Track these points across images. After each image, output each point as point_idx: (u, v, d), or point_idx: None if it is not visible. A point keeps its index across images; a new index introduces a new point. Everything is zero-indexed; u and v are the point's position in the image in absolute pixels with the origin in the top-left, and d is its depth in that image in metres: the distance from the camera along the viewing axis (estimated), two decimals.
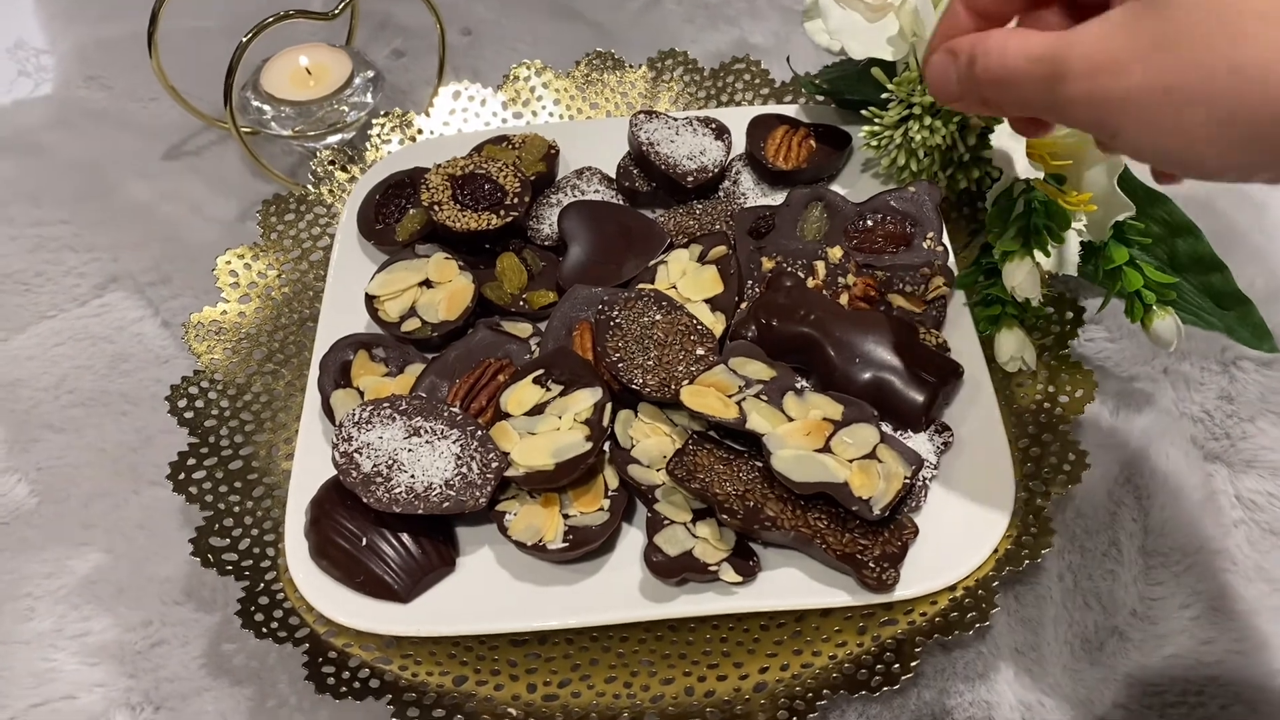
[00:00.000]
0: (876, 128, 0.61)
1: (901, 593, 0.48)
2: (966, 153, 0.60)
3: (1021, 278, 0.53)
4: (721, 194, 0.64)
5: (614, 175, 0.65)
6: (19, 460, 0.63)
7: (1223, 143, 0.32)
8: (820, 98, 0.68)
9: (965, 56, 0.37)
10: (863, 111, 0.62)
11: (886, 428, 0.51)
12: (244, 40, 0.66)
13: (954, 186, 0.61)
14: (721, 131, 0.65)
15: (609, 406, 0.52)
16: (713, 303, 0.57)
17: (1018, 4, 0.39)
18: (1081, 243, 0.56)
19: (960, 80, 0.38)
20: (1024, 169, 0.54)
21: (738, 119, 0.67)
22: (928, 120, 0.59)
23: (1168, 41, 0.32)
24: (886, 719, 0.50)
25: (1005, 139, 0.55)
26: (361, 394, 0.56)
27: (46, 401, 0.65)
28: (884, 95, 0.61)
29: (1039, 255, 0.53)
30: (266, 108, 0.73)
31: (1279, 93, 0.30)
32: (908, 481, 0.48)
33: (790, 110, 0.68)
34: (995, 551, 0.49)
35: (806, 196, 0.60)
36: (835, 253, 0.58)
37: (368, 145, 0.69)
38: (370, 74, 0.76)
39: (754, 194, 0.63)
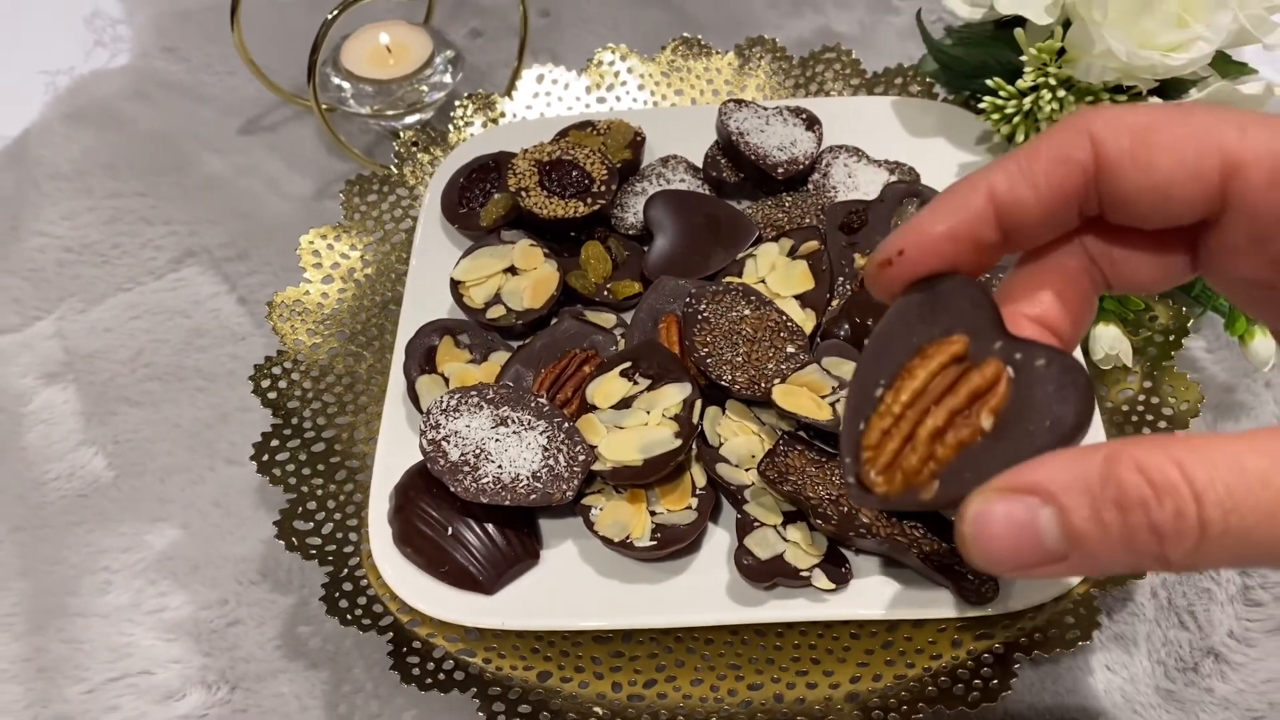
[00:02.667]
0: (999, 99, 0.60)
1: (999, 606, 0.46)
2: None
3: None
4: (811, 186, 0.62)
5: (700, 164, 0.64)
6: (96, 433, 0.63)
7: None
8: (929, 80, 0.67)
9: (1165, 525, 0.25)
10: (988, 81, 0.61)
11: None
12: (329, 17, 0.65)
13: None
14: (812, 122, 0.63)
15: (699, 403, 0.51)
16: (803, 299, 0.56)
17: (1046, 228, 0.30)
18: None
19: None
20: None
21: (827, 109, 0.65)
22: (1060, 93, 0.57)
23: None
24: None
25: None
26: (446, 380, 0.55)
27: (123, 375, 0.65)
28: (1021, 59, 0.59)
29: None
30: (346, 85, 0.73)
31: None
32: None
33: (885, 102, 0.66)
34: None
35: (901, 192, 0.59)
36: None
37: (450, 127, 0.68)
38: (450, 54, 0.75)
39: (845, 187, 0.62)
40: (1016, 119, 0.60)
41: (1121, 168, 0.28)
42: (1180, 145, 0.27)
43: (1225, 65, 0.63)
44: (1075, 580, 0.47)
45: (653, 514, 0.50)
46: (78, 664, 0.54)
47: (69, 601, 0.56)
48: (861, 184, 0.62)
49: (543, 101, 0.70)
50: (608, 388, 0.52)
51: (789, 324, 0.54)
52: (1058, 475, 0.26)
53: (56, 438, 0.63)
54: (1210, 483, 0.24)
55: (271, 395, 0.56)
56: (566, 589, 0.49)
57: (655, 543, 0.48)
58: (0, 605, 0.56)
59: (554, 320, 0.58)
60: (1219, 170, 0.27)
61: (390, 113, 0.73)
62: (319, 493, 0.53)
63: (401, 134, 0.68)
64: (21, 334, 0.68)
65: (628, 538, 0.49)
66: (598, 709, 0.46)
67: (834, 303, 0.56)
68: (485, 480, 0.49)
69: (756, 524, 0.49)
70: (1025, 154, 0.29)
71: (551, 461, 0.50)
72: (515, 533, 0.50)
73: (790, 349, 0.53)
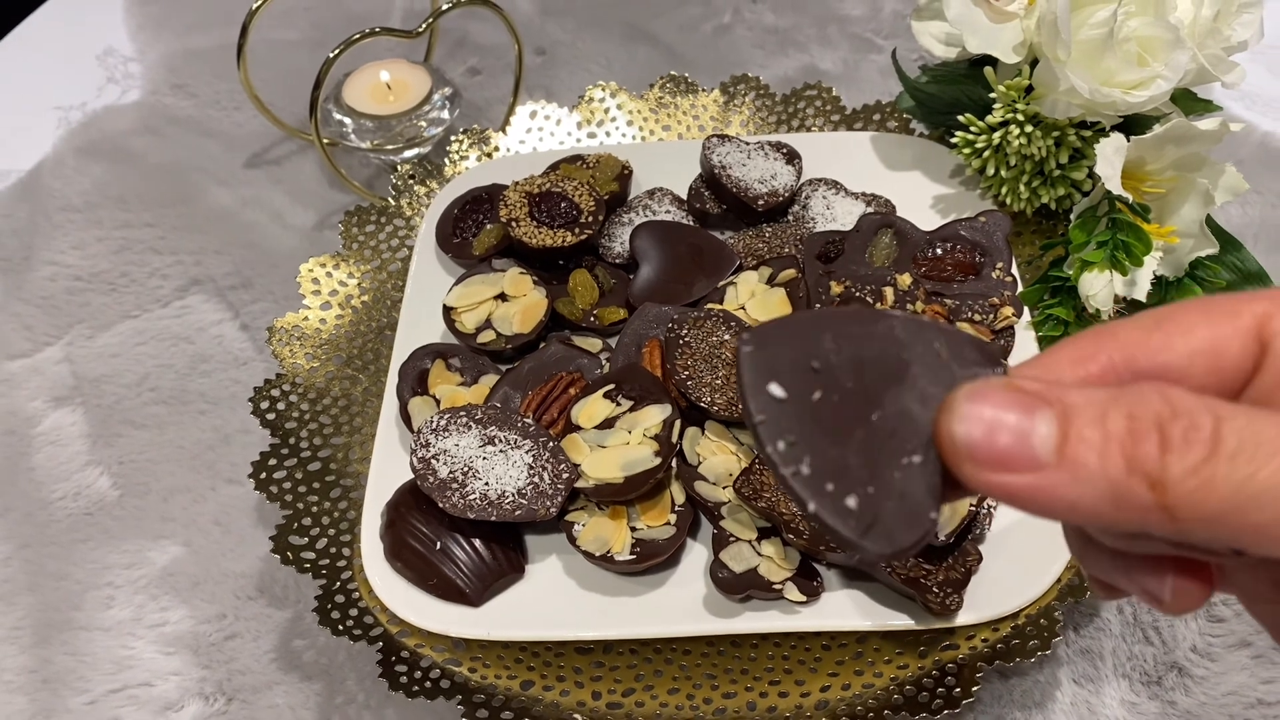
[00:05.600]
0: (970, 135, 0.62)
1: (964, 618, 0.48)
2: (1056, 169, 0.61)
3: (1099, 288, 0.54)
4: (791, 218, 0.65)
5: (685, 196, 0.67)
6: (102, 454, 0.65)
7: None
8: (906, 116, 0.70)
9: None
10: (959, 117, 0.63)
11: None
12: (331, 56, 0.68)
13: (1033, 201, 0.62)
14: (792, 156, 0.66)
15: (678, 423, 0.53)
16: None
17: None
18: (1154, 274, 0.56)
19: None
20: (1116, 189, 0.55)
21: (808, 144, 0.68)
22: (1028, 128, 0.60)
23: None
24: None
25: (1103, 159, 0.56)
26: (438, 401, 0.57)
27: (129, 398, 0.68)
28: (991, 95, 0.62)
29: (1115, 273, 0.54)
30: (347, 120, 0.76)
31: None
32: (972, 509, 0.49)
33: (863, 137, 0.69)
34: (1058, 581, 0.49)
35: (876, 223, 0.61)
36: (904, 279, 0.58)
37: (446, 160, 0.71)
38: (448, 91, 0.78)
39: (823, 218, 0.64)
40: (987, 153, 0.62)
41: (1148, 345, 0.26)
42: (1208, 307, 0.26)
43: (1191, 102, 0.65)
44: (1037, 593, 0.49)
45: (633, 530, 0.52)
46: (80, 676, 0.56)
47: (73, 616, 0.58)
48: (839, 215, 0.64)
49: (535, 136, 0.73)
50: (591, 409, 0.55)
51: None
52: (1071, 392, 0.24)
53: (64, 458, 0.65)
54: (1235, 414, 0.23)
55: (270, 416, 0.58)
56: (550, 602, 0.51)
57: (635, 557, 0.50)
58: (7, 619, 0.58)
59: (542, 345, 0.60)
60: (1252, 316, 0.26)
61: (390, 147, 0.75)
62: (314, 510, 0.55)
63: (400, 167, 0.70)
64: (32, 359, 0.70)
65: (609, 552, 0.51)
66: (578, 716, 0.47)
67: None
68: (472, 497, 0.51)
69: (732, 539, 0.51)
70: (1041, 360, 0.27)
71: (536, 479, 0.52)
72: (501, 547, 0.52)
73: None
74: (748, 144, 0.66)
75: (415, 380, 0.58)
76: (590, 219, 0.63)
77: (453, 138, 0.72)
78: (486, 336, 0.60)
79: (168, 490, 0.63)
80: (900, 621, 0.49)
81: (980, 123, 0.62)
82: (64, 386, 0.69)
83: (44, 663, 0.57)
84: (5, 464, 0.65)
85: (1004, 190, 0.63)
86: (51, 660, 0.57)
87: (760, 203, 0.63)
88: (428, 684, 0.48)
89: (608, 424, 0.54)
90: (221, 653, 0.56)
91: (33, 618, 0.58)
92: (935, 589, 0.48)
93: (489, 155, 0.72)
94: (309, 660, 0.56)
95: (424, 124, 0.76)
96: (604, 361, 0.59)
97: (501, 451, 0.53)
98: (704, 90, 0.73)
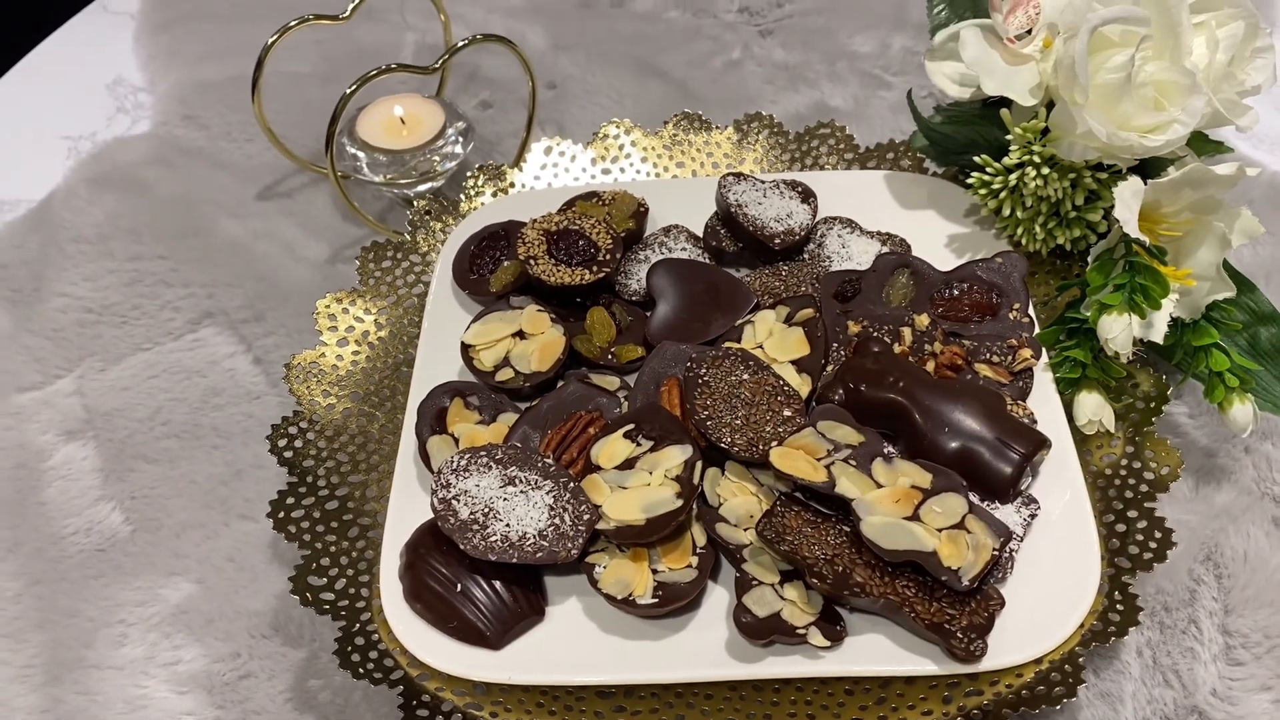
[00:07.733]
0: (987, 175, 0.63)
1: (988, 664, 0.48)
2: (1073, 210, 0.61)
3: (1118, 331, 0.54)
4: (807, 256, 0.65)
5: (701, 234, 0.67)
6: (115, 489, 0.65)
7: None
8: (920, 154, 0.70)
9: None
10: (975, 158, 0.64)
11: (974, 498, 0.52)
12: (348, 91, 0.68)
13: (1049, 241, 0.63)
14: (807, 195, 0.66)
15: (699, 464, 0.53)
16: (799, 364, 0.58)
17: None
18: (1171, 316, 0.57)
19: None
20: (1134, 232, 0.55)
21: (823, 182, 0.68)
22: (1045, 170, 0.60)
23: None
24: None
25: (1121, 202, 0.56)
26: (456, 440, 0.57)
27: (141, 432, 0.67)
28: (1006, 137, 0.62)
29: (1134, 316, 0.54)
30: (360, 154, 0.76)
31: None
32: (995, 553, 0.49)
33: (877, 176, 0.69)
34: (1081, 626, 0.49)
35: (893, 263, 0.61)
36: (922, 320, 0.59)
37: (461, 196, 0.71)
38: (462, 125, 0.78)
39: (839, 257, 0.64)
40: (1003, 194, 0.63)
41: None
42: None
43: (1203, 144, 0.66)
44: (1061, 638, 0.49)
45: (654, 572, 0.51)
46: (93, 716, 0.55)
47: (85, 654, 0.58)
48: (855, 254, 0.64)
49: (550, 172, 0.73)
50: (612, 449, 0.54)
51: (785, 388, 0.56)
52: None
53: (75, 493, 0.65)
54: None
55: (288, 454, 0.58)
56: (571, 645, 0.51)
57: (657, 600, 0.50)
58: (18, 657, 0.58)
59: (560, 383, 0.60)
60: None
61: (403, 181, 0.76)
62: (332, 549, 0.55)
63: (415, 202, 0.70)
64: (43, 392, 0.70)
65: (630, 595, 0.50)
66: None
67: (828, 368, 0.59)
68: (494, 538, 0.51)
69: (755, 582, 0.51)
70: None
71: (557, 520, 0.52)
72: (522, 589, 0.52)
73: (787, 412, 0.55)
74: (763, 182, 0.66)
75: (433, 419, 0.58)
76: (608, 256, 0.63)
77: (468, 173, 0.72)
78: (505, 374, 0.60)
79: (180, 526, 0.63)
80: (925, 667, 0.48)
81: (996, 164, 0.63)
82: (75, 420, 0.68)
83: (55, 702, 0.56)
84: (16, 499, 0.64)
85: (1019, 231, 0.64)
86: (63, 699, 0.56)
87: (776, 241, 0.64)
88: None
89: (628, 464, 0.54)
90: (236, 692, 0.56)
91: (44, 656, 0.58)
92: (960, 634, 0.48)
93: (504, 191, 0.72)
94: (324, 700, 0.55)
95: (437, 158, 0.76)
96: (622, 400, 0.59)
97: (522, 492, 0.53)
98: (718, 128, 0.73)
